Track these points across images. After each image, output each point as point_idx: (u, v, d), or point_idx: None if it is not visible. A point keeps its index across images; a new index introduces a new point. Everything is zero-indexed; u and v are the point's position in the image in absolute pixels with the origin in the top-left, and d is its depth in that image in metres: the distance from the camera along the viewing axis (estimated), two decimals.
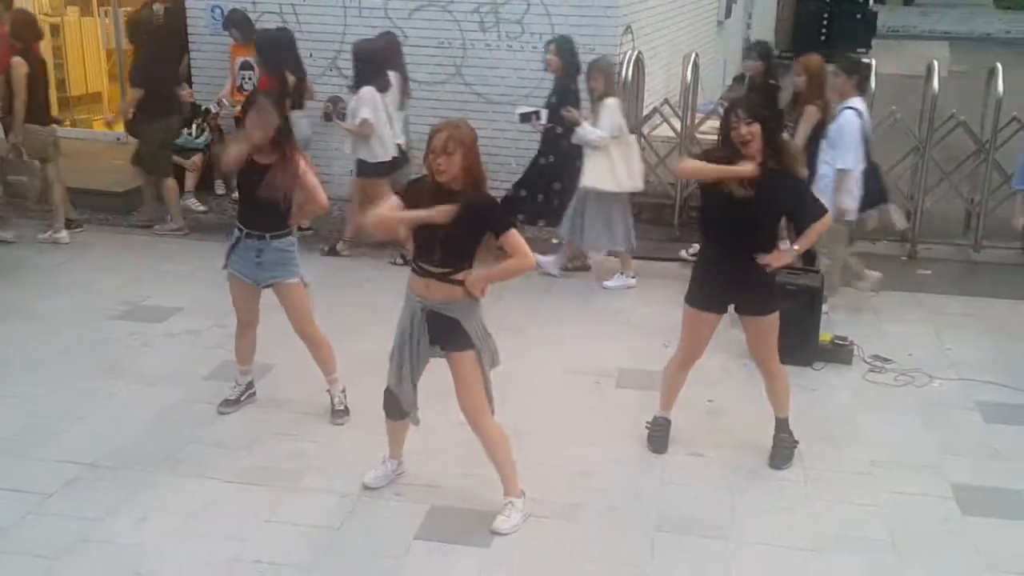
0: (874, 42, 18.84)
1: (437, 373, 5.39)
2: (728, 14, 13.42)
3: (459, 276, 4.12)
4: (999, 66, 7.93)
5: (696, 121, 8.46)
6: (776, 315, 4.78)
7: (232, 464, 4.77)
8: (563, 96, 7.35)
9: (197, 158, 9.01)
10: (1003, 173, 7.99)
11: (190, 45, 9.24)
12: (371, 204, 5.25)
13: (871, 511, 4.54)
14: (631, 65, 8.19)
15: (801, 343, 5.95)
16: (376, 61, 7.39)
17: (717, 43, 12.98)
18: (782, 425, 5.00)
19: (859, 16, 18.73)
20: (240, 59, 8.77)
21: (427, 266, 4.13)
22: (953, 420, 5.42)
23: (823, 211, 4.66)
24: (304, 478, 4.68)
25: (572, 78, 7.41)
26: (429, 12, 8.47)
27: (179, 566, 4.06)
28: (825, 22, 18.53)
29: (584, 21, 8.10)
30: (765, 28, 17.05)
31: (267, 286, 5.10)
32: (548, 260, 7.39)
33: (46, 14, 11.41)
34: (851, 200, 6.40)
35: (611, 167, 7.12)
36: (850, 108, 6.38)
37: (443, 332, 4.21)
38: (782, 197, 4.55)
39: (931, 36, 23.19)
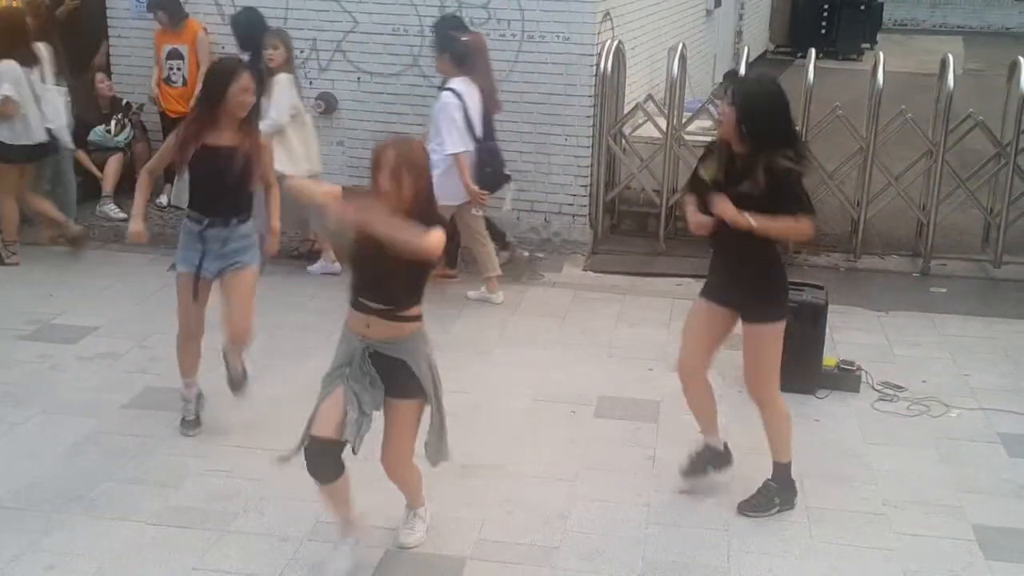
0: (880, 36, 19.15)
1: None
2: (718, 3, 13.57)
3: (407, 313, 4.07)
4: (1021, 60, 8.06)
5: (684, 120, 8.52)
6: (775, 328, 4.76)
7: (155, 504, 4.70)
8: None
9: (115, 159, 8.92)
10: None
11: (109, 30, 9.17)
12: None
13: (884, 556, 4.55)
14: (610, 56, 8.24)
15: (803, 367, 5.98)
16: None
17: (706, 35, 13.11)
18: (778, 471, 4.90)
19: (863, 8, 18.99)
20: (167, 47, 8.74)
21: (369, 302, 4.03)
22: (973, 454, 5.46)
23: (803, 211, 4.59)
24: (238, 520, 4.62)
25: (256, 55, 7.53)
26: None
27: None
28: (825, 14, 18.77)
29: (558, 6, 8.14)
30: (759, 20, 17.28)
31: (223, 272, 5.19)
32: (317, 266, 7.82)
33: None
34: (457, 183, 6.85)
35: (288, 149, 7.31)
36: (448, 89, 6.87)
37: (387, 375, 4.10)
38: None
39: (942, 30, 23.60)
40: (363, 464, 4.28)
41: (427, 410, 4.24)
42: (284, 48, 7.39)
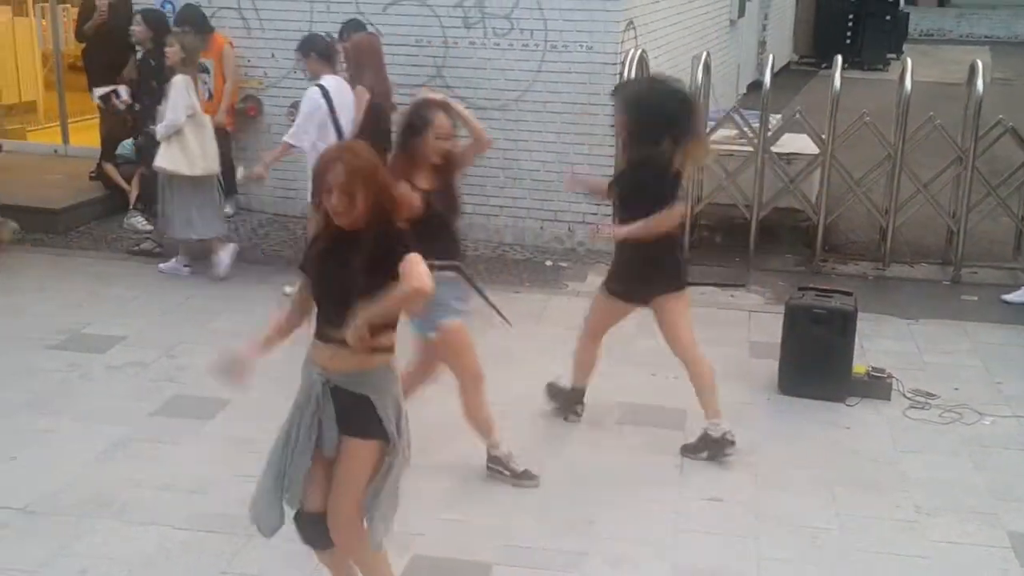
0: (906, 47, 19.09)
1: (418, 406, 5.37)
2: (742, 13, 13.58)
3: (375, 342, 3.58)
4: None
5: (707, 129, 8.50)
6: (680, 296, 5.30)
7: (184, 510, 4.73)
8: (146, 71, 7.95)
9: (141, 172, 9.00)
10: None
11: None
12: None
13: (918, 564, 4.51)
14: (634, 65, 8.25)
15: (832, 375, 5.98)
16: None
17: (730, 44, 13.12)
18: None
19: (888, 18, 18.95)
20: None
21: (334, 331, 3.57)
22: (1007, 462, 5.41)
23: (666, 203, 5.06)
24: None
25: (162, 51, 7.69)
26: (405, 7, 8.55)
27: None
28: (850, 24, 18.73)
29: (581, 16, 8.17)
30: (783, 30, 17.27)
31: None
32: (169, 265, 7.96)
33: None
34: None
35: (183, 148, 7.48)
36: (318, 85, 7.07)
37: (348, 412, 3.68)
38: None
39: (969, 40, 23.51)
40: None
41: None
42: (180, 47, 7.50)
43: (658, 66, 9.17)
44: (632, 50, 8.37)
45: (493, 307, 5.11)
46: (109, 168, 8.85)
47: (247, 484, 4.91)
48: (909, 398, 6.04)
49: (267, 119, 9.08)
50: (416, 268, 3.48)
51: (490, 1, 8.34)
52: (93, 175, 9.49)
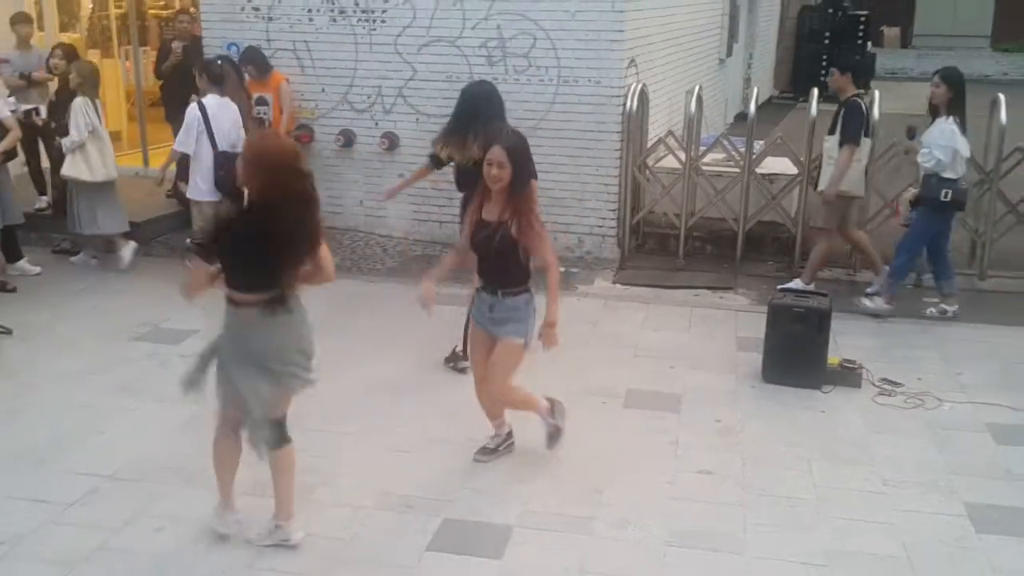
0: (873, 83, 18.96)
1: (448, 390, 5.40)
2: (730, 53, 13.55)
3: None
4: (1001, 96, 7.97)
5: (700, 153, 8.49)
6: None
7: (245, 477, 4.69)
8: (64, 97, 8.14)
9: None
10: (1007, 203, 8.01)
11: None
12: None
13: (885, 529, 4.48)
14: (635, 97, 8.25)
15: (810, 366, 5.95)
16: None
17: (719, 80, 13.09)
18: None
19: (858, 58, 18.83)
20: (255, 95, 8.83)
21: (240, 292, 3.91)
22: (964, 442, 5.36)
23: None
24: (315, 491, 4.65)
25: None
26: (438, 47, 8.54)
27: (193, 575, 4.02)
28: (824, 63, 18.63)
29: (589, 54, 8.16)
30: (765, 68, 17.22)
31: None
32: (79, 258, 8.27)
33: None
34: (200, 181, 7.40)
35: (86, 159, 7.79)
36: (198, 102, 7.43)
37: None
38: None
39: (928, 77, 23.22)
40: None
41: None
42: (77, 74, 7.83)
43: (656, 98, 9.18)
44: (634, 84, 8.37)
45: None
46: (182, 185, 8.86)
47: (301, 455, 4.91)
48: (877, 386, 5.99)
49: (318, 145, 9.09)
50: (326, 259, 4.05)
51: (511, 43, 8.33)
52: (170, 193, 9.53)
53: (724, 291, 7.81)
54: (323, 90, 8.94)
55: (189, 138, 7.42)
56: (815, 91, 8.41)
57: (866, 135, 7.45)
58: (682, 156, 8.40)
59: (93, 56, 12.08)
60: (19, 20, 9.18)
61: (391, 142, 8.81)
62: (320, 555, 4.16)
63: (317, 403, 5.53)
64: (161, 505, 4.49)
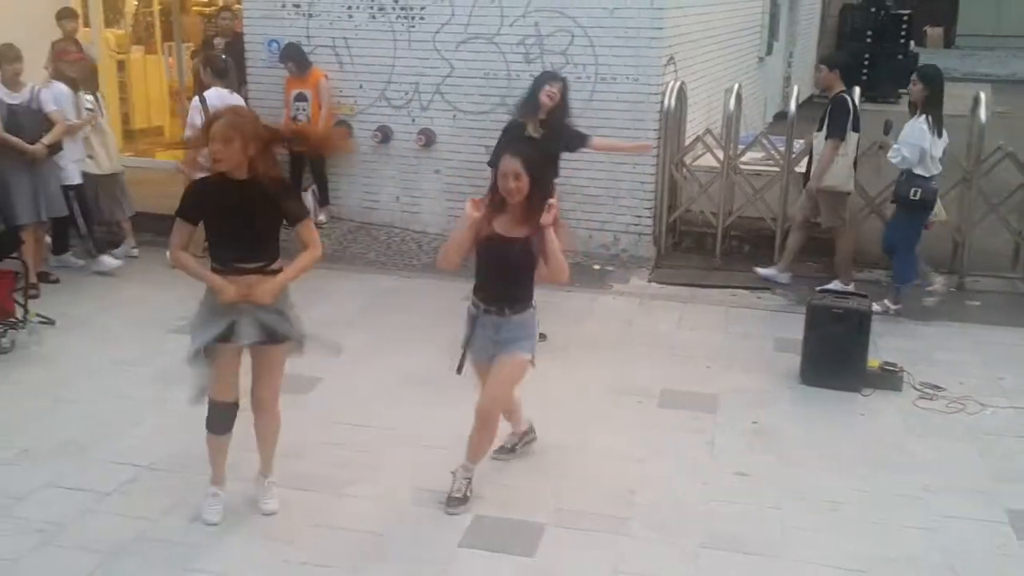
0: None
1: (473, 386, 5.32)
2: (770, 51, 13.40)
3: (276, 266, 4.15)
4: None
5: (738, 151, 8.40)
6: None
7: (281, 469, 4.72)
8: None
9: None
10: None
11: (247, 77, 9.35)
12: None
13: (926, 535, 4.40)
14: (674, 95, 8.18)
15: (849, 368, 5.85)
16: None
17: (758, 78, 12.94)
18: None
19: (900, 57, 18.58)
20: (295, 91, 8.88)
21: (241, 264, 4.08)
22: (1006, 447, 5.25)
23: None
24: (352, 485, 4.64)
25: None
26: (476, 44, 8.53)
27: (229, 565, 4.04)
28: (866, 63, 18.40)
29: (628, 52, 8.10)
30: (806, 67, 17.00)
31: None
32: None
33: (113, 51, 11.65)
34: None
35: (92, 154, 7.91)
36: (200, 96, 7.53)
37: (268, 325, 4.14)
38: None
39: (972, 78, 22.90)
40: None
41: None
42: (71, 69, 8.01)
43: (695, 96, 9.09)
44: (672, 82, 8.29)
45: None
46: None
47: (337, 450, 4.98)
48: (918, 390, 5.89)
49: (357, 141, 9.11)
50: (312, 236, 4.16)
51: (548, 40, 8.29)
52: None
53: (762, 291, 7.72)
54: (361, 86, 8.96)
55: (192, 132, 7.51)
56: (856, 90, 8.28)
57: (854, 130, 7.41)
58: (720, 154, 8.32)
59: (136, 52, 12.21)
60: (65, 15, 9.27)
61: (428, 138, 8.81)
62: (353, 549, 4.15)
63: (351, 398, 5.57)
64: (198, 496, 4.48)
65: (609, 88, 8.20)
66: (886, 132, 7.61)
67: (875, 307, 6.87)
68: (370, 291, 7.55)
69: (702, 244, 8.63)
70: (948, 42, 27.04)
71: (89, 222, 7.96)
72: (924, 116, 6.90)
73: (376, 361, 6.10)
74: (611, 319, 7.11)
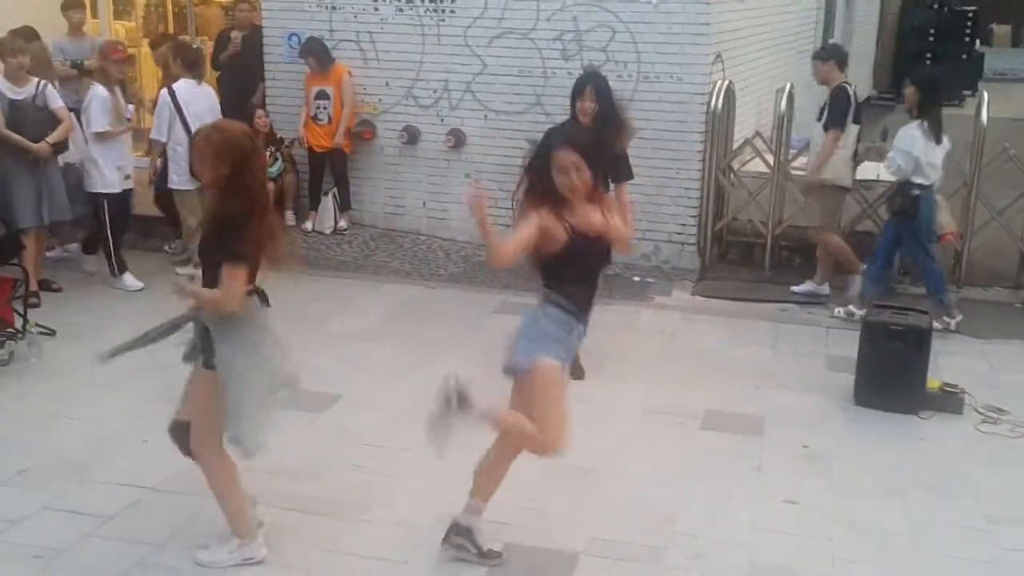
0: (980, 84, 18.51)
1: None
2: None
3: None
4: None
5: (790, 156, 8.34)
6: None
7: (295, 492, 4.75)
8: None
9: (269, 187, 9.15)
10: None
11: (266, 73, 9.43)
12: None
13: (987, 568, 4.33)
14: (721, 95, 8.15)
15: (907, 388, 5.78)
16: None
17: (812, 79, 12.82)
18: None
19: (964, 57, 18.41)
20: (316, 88, 8.94)
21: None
22: None
23: None
24: (370, 510, 4.64)
25: None
26: (509, 40, 8.54)
27: None
28: (928, 62, 18.24)
29: (672, 49, 8.08)
30: (863, 67, 16.90)
31: None
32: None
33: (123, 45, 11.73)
34: (178, 171, 7.66)
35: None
36: (168, 88, 7.73)
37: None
38: None
39: None
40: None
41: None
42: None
43: (744, 96, 9.04)
44: (720, 81, 8.26)
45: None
46: None
47: (354, 472, 4.98)
48: (981, 413, 5.80)
49: (381, 142, 9.16)
50: (230, 282, 3.89)
51: (587, 35, 8.29)
52: None
53: (814, 306, 7.65)
54: (387, 84, 9.00)
55: (161, 126, 7.70)
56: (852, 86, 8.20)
57: (855, 121, 7.45)
58: (770, 159, 8.27)
59: (146, 45, 12.29)
60: (71, 6, 9.34)
61: (457, 140, 8.83)
62: None
63: (371, 416, 5.57)
64: (204, 520, 4.49)
65: (652, 87, 8.18)
66: (883, 138, 7.59)
67: (936, 324, 6.81)
68: (393, 302, 7.57)
69: (750, 255, 8.58)
70: (1016, 40, 26.78)
71: (118, 237, 7.79)
72: (919, 122, 6.95)
73: (399, 376, 6.10)
74: (652, 334, 7.07)
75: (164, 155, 7.94)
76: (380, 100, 9.08)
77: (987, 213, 7.97)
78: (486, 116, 8.73)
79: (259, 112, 9.18)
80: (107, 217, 7.64)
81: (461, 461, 5.10)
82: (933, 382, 5.89)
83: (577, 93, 6.04)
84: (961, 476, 5.12)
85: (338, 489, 4.82)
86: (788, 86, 8.49)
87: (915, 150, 6.87)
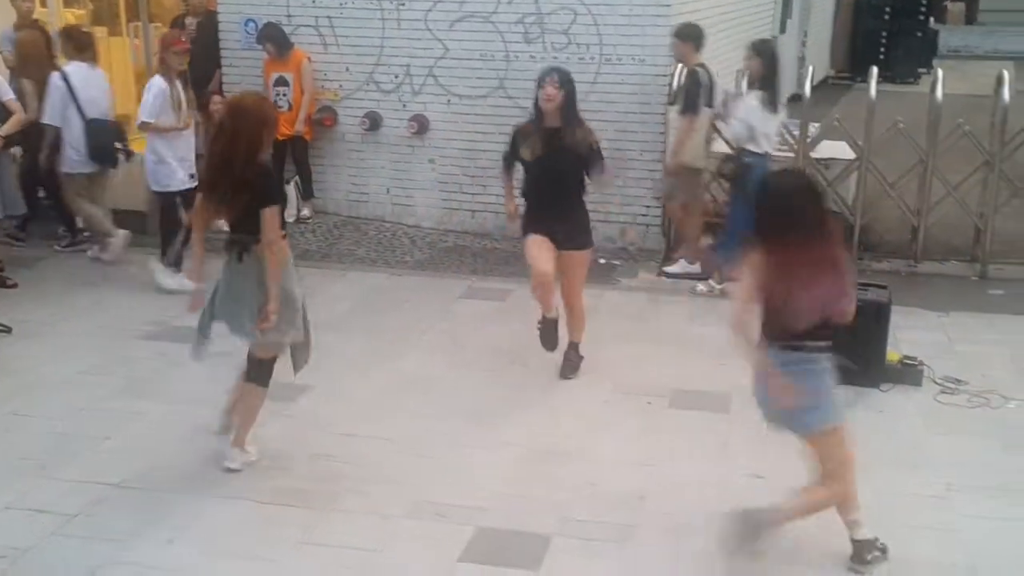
0: (935, 62, 18.71)
1: (482, 391, 5.36)
2: (783, 30, 13.40)
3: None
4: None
5: None
6: (589, 252, 5.91)
7: (265, 484, 4.74)
8: None
9: None
10: None
11: (222, 60, 9.34)
12: None
13: (949, 536, 4.42)
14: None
15: (867, 362, 5.83)
16: None
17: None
18: (575, 346, 6.05)
19: (920, 35, 18.60)
20: (275, 75, 8.87)
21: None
22: None
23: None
24: (342, 499, 4.64)
25: None
26: (471, 24, 8.53)
27: None
28: (884, 41, 18.42)
29: (634, 31, 8.12)
30: (820, 47, 17.02)
31: None
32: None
33: None
34: (72, 153, 7.60)
35: None
36: (60, 72, 7.63)
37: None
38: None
39: (994, 56, 22.87)
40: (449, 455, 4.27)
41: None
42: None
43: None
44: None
45: None
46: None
47: (320, 461, 4.98)
48: (939, 384, 5.91)
49: (342, 128, 9.12)
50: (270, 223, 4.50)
51: (549, 18, 8.30)
52: None
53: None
54: (347, 69, 8.96)
55: (53, 110, 7.57)
56: (874, 70, 8.30)
57: (708, 105, 7.57)
58: (791, 139, 8.29)
59: (99, 33, 12.09)
60: None
61: (420, 125, 8.81)
62: (344, 567, 4.15)
63: (343, 405, 5.57)
64: (172, 516, 4.47)
65: (614, 70, 8.21)
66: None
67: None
68: (359, 290, 7.55)
69: (714, 235, 8.62)
70: (970, 18, 27.02)
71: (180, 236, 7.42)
72: (757, 92, 7.13)
73: (367, 365, 6.10)
74: (618, 316, 7.11)
75: (57, 140, 7.72)
76: (341, 86, 9.03)
77: (943, 189, 8.09)
78: (449, 101, 8.71)
79: (215, 99, 9.08)
80: (173, 215, 7.38)
81: (433, 444, 5.16)
82: (892, 355, 5.99)
83: (539, 81, 5.92)
84: (921, 446, 5.23)
85: (309, 480, 4.82)
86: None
87: (752, 119, 7.05)
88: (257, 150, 4.50)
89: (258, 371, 4.82)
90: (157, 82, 7.27)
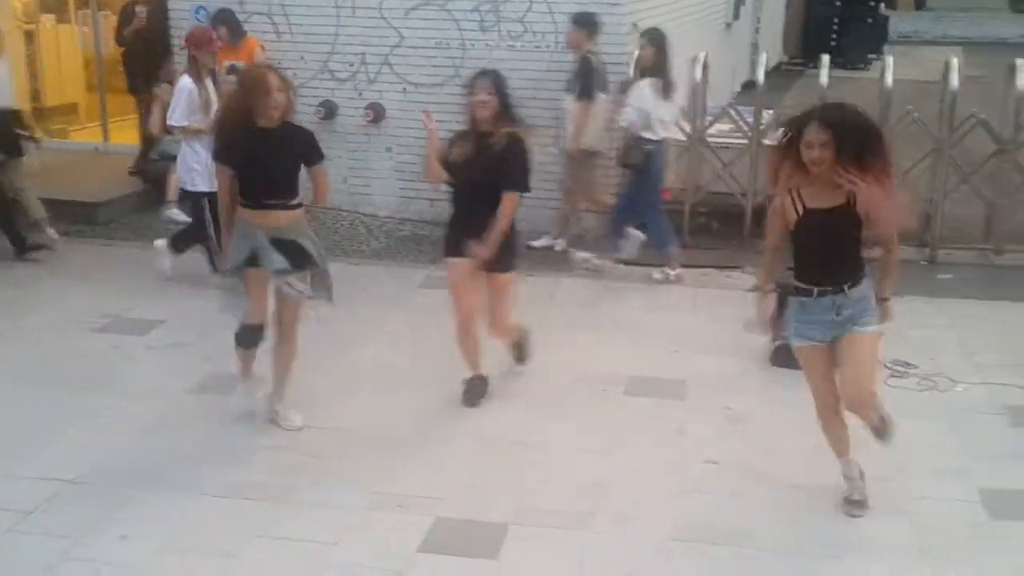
0: (886, 48, 18.92)
1: (440, 381, 5.36)
2: (737, 16, 13.47)
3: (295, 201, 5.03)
4: (1020, 62, 7.95)
5: (706, 123, 8.45)
6: (512, 275, 5.50)
7: (221, 478, 4.71)
8: None
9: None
10: None
11: (173, 48, 9.20)
12: None
13: (898, 516, 4.50)
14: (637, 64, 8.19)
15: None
16: None
17: (725, 46, 13.01)
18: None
19: (870, 21, 18.79)
20: (227, 63, 8.72)
21: (267, 200, 4.97)
22: (979, 424, 5.38)
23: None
24: (299, 492, 4.62)
25: None
26: (426, 11, 8.48)
27: None
28: (835, 27, 18.59)
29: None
30: (773, 34, 17.14)
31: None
32: None
33: (20, 20, 11.31)
34: None
35: None
36: None
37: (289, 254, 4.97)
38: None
39: (944, 41, 23.21)
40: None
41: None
42: None
43: None
44: (636, 51, 8.30)
45: None
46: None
47: (278, 454, 4.97)
48: (889, 368, 5.98)
49: (297, 117, 8.87)
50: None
51: (505, 6, 8.28)
52: (132, 171, 9.45)
53: (731, 270, 7.79)
54: (302, 58, 8.87)
55: None
56: (826, 57, 8.38)
57: (600, 90, 7.70)
58: (687, 127, 8.36)
59: (47, 20, 11.87)
60: None
61: (376, 114, 8.76)
62: (303, 559, 4.14)
63: (302, 396, 5.52)
64: (128, 512, 4.43)
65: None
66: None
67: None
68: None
69: (670, 221, 8.67)
70: (920, 4, 27.36)
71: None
72: (650, 79, 7.27)
73: (326, 357, 6.06)
74: (573, 303, 7.15)
75: None
76: (295, 75, 8.87)
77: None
78: (405, 89, 8.67)
79: (165, 87, 8.95)
80: (211, 216, 7.01)
81: (391, 434, 5.16)
82: None
83: (470, 87, 5.40)
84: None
85: (265, 472, 4.80)
86: (702, 55, 8.58)
87: (646, 106, 7.17)
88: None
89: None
90: (186, 83, 7.10)
